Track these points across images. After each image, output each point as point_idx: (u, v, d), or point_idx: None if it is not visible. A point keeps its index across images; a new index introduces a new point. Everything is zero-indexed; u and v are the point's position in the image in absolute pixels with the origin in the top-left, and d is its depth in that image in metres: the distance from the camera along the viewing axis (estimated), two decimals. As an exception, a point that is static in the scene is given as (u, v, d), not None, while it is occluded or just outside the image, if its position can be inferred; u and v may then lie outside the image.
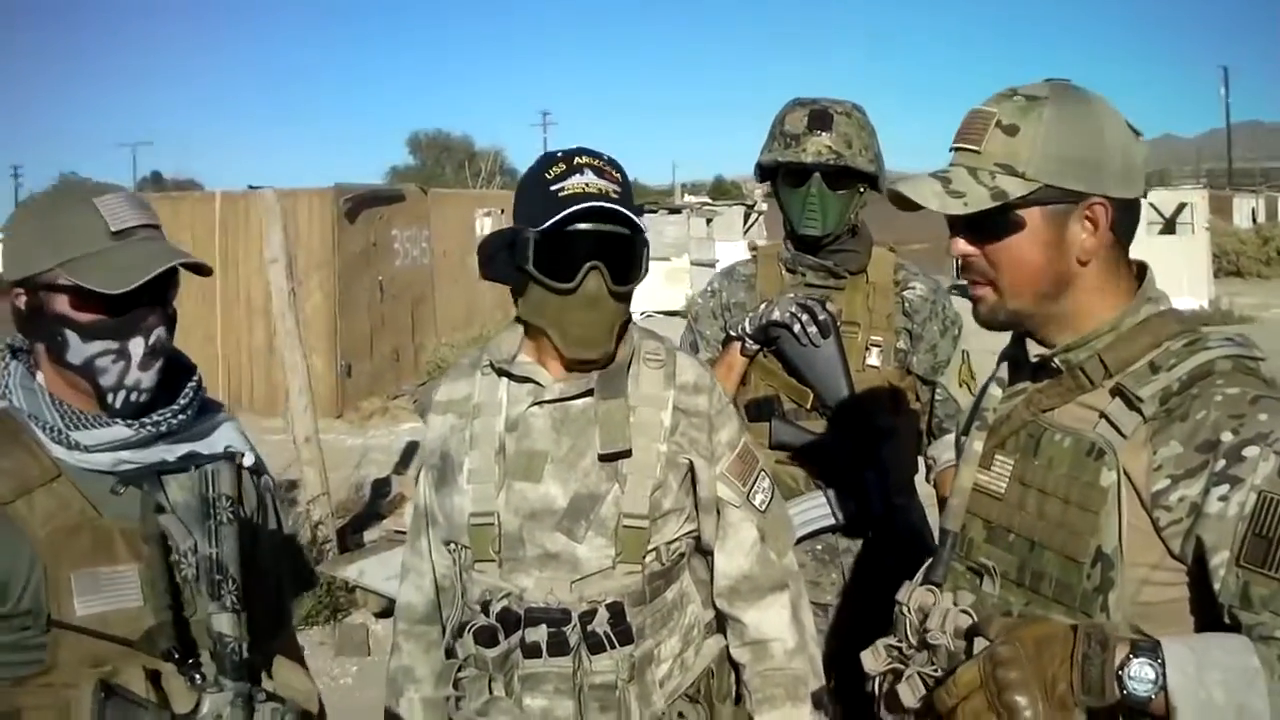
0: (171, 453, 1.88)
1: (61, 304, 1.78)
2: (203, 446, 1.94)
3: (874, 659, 1.83)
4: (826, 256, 2.96)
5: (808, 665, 2.22)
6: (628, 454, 2.08)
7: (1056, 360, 1.73)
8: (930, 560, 1.88)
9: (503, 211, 17.37)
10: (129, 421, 1.83)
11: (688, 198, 40.07)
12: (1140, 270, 1.77)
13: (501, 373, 2.17)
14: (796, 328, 2.82)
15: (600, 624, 2.02)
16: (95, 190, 1.85)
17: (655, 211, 31.85)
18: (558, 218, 1.97)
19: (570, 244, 2.01)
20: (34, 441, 1.80)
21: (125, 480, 1.81)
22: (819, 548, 2.90)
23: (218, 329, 14.38)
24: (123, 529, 1.79)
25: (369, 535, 7.59)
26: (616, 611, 2.04)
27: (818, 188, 2.88)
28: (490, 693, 2.03)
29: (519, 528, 2.07)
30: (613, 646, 2.01)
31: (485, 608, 2.06)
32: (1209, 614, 1.57)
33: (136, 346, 1.82)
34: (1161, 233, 23.56)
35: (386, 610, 6.35)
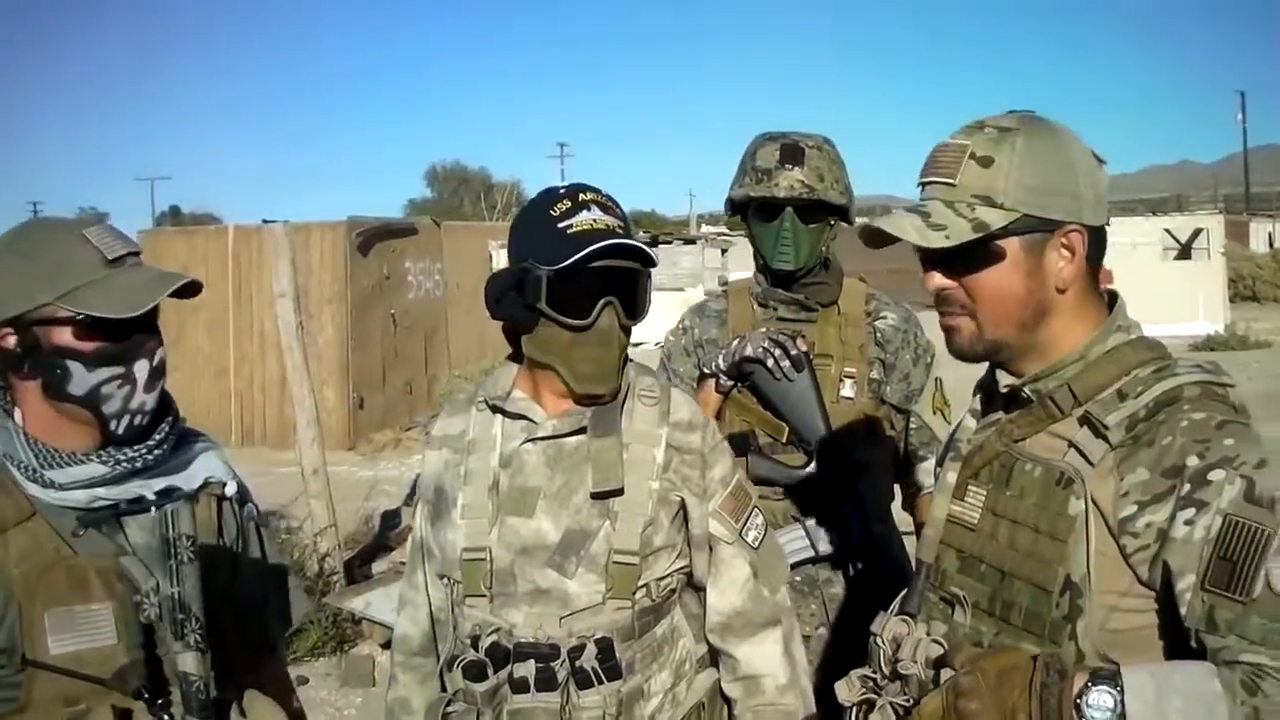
0: (149, 488, 1.87)
1: (62, 336, 1.79)
2: (181, 480, 1.93)
3: (848, 689, 1.83)
4: (798, 290, 2.95)
5: (799, 700, 2.22)
6: (620, 492, 2.08)
7: (1026, 390, 1.73)
8: (905, 591, 1.88)
9: (516, 243, 17.36)
10: (104, 458, 1.83)
11: (705, 228, 40.14)
12: (1111, 299, 1.77)
13: (496, 409, 2.17)
14: (770, 362, 2.80)
15: (588, 659, 2.02)
16: (76, 223, 1.87)
17: (670, 242, 31.93)
18: (580, 255, 1.97)
19: (585, 281, 2.01)
20: (10, 481, 1.80)
21: (85, 523, 1.81)
22: (798, 579, 2.87)
23: (230, 362, 14.48)
24: (98, 567, 1.79)
25: (377, 567, 7.58)
26: (605, 647, 2.03)
27: (790, 222, 2.88)
28: None
29: (510, 563, 2.08)
30: (600, 682, 2.01)
31: (475, 642, 2.06)
32: (1178, 639, 1.56)
33: (141, 370, 1.84)
34: (1177, 258, 23.52)
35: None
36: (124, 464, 1.84)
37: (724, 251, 31.95)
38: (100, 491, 1.82)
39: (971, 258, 1.68)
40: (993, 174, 1.65)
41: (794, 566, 2.84)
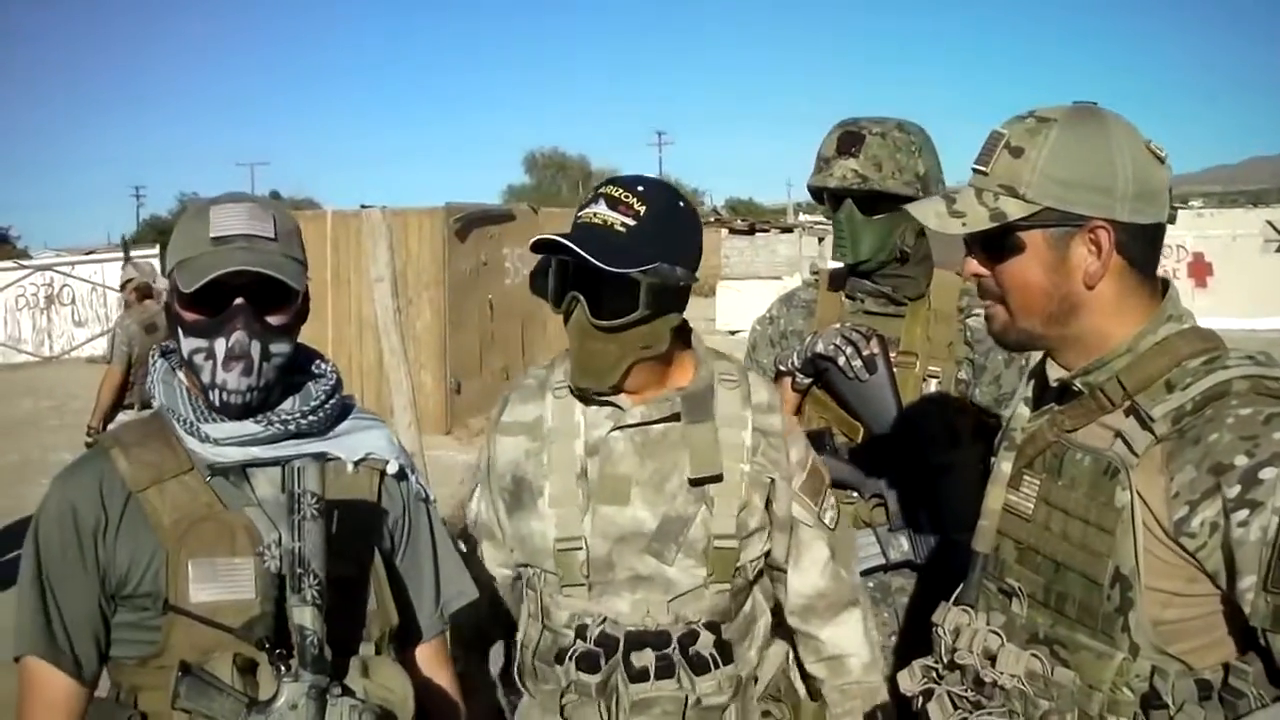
0: (302, 450, 1.92)
1: (176, 303, 1.89)
2: (339, 448, 1.97)
3: (909, 679, 1.86)
4: (883, 282, 2.82)
5: (881, 678, 2.24)
6: (719, 478, 2.08)
7: (1077, 383, 1.72)
8: (965, 581, 1.89)
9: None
10: (258, 418, 1.89)
11: (802, 216, 39.97)
12: (1164, 288, 1.74)
13: (582, 396, 2.15)
14: (841, 361, 2.69)
15: (705, 646, 2.03)
16: (225, 199, 1.93)
17: (767, 230, 31.85)
18: (541, 250, 2.04)
19: (554, 271, 2.06)
20: (172, 435, 1.90)
21: (214, 471, 1.88)
22: (871, 585, 2.76)
23: (329, 346, 14.66)
24: (245, 523, 1.86)
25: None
26: (715, 631, 2.05)
27: (847, 214, 2.75)
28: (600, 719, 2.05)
29: (608, 551, 2.09)
30: (717, 666, 2.02)
31: (581, 632, 2.06)
32: (1246, 626, 1.54)
33: (219, 347, 1.87)
34: (1278, 251, 23.13)
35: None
36: (276, 425, 1.90)
37: (821, 240, 31.77)
38: (255, 451, 1.90)
39: (999, 247, 1.70)
40: (1020, 164, 1.66)
41: (866, 574, 2.73)
